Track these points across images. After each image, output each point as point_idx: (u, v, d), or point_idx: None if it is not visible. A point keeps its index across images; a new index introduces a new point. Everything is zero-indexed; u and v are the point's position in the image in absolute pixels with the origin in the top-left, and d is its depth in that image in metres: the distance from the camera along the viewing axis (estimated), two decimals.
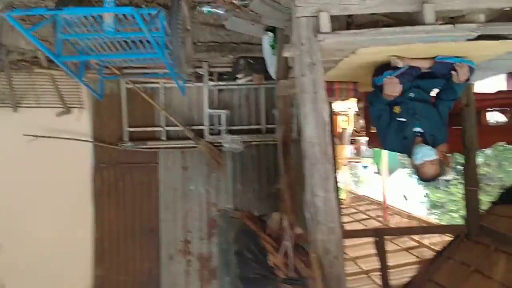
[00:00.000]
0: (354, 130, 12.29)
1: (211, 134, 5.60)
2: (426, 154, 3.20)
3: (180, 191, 5.70)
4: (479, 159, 20.32)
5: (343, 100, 4.24)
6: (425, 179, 3.30)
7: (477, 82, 4.78)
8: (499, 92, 6.20)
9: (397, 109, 3.37)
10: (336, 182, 5.89)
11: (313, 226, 2.59)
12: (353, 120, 11.58)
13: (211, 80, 5.56)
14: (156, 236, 5.65)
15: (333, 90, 3.99)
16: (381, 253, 4.93)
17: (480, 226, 4.90)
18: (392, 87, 3.14)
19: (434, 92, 3.51)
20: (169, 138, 5.67)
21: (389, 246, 10.13)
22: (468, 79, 3.23)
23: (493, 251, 4.51)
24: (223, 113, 5.56)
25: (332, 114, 10.13)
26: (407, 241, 10.10)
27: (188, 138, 5.57)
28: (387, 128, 3.40)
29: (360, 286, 7.38)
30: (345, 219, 13.88)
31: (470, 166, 4.91)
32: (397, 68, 3.18)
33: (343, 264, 2.57)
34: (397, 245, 10.02)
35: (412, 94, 3.36)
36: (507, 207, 4.87)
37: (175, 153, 5.70)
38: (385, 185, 12.90)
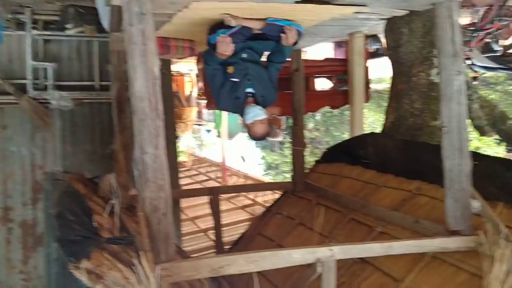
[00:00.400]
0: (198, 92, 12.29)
1: (35, 89, 5.06)
2: (256, 114, 3.31)
3: None
4: (310, 124, 22.03)
5: (180, 58, 4.16)
6: (255, 137, 3.43)
7: (306, 47, 5.09)
8: (326, 59, 6.71)
9: (230, 69, 3.41)
10: (175, 142, 5.91)
11: (142, 184, 2.50)
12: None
13: (35, 28, 4.99)
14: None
15: (169, 46, 3.87)
16: (215, 211, 5.06)
17: (305, 183, 5.32)
18: (225, 46, 3.15)
19: (265, 55, 3.63)
20: None
21: (227, 205, 10.55)
22: (296, 43, 3.38)
23: (315, 205, 4.92)
24: (49, 66, 5.05)
25: (172, 75, 10.01)
26: (243, 200, 10.61)
27: (8, 93, 4.97)
28: (220, 88, 3.43)
29: (197, 244, 7.57)
30: (187, 180, 14.06)
31: (298, 128, 5.26)
32: (230, 27, 3.19)
33: (171, 221, 2.55)
34: (234, 204, 10.47)
35: (244, 55, 3.42)
36: (328, 165, 5.33)
37: None
38: (225, 148, 13.29)
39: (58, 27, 5.03)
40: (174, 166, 5.91)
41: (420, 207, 3.73)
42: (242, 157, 11.54)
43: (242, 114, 3.51)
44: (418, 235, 3.44)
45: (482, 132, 5.13)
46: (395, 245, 2.86)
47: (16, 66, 5.09)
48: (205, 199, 5.31)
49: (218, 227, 5.12)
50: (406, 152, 4.16)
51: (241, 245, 5.50)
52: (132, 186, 5.02)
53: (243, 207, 9.82)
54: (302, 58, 5.52)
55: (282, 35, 3.30)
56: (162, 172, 2.52)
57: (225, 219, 9.33)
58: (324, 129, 25.44)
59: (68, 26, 4.91)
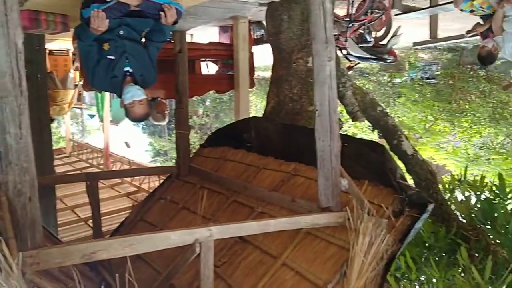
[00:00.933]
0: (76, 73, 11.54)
1: None
2: (135, 94, 3.21)
3: None
4: (199, 110, 21.95)
5: (52, 33, 3.88)
6: (135, 118, 3.33)
7: (189, 29, 5.03)
8: (211, 43, 6.70)
9: (106, 46, 3.26)
10: (49, 125, 5.52)
11: (4, 167, 2.30)
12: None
13: None
14: None
15: (39, 20, 3.60)
16: (93, 198, 4.84)
17: (190, 167, 5.30)
18: (99, 22, 3.00)
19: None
20: None
21: (110, 193, 10.18)
22: (176, 22, 3.32)
23: (199, 189, 4.93)
24: None
25: (50, 53, 9.34)
26: (127, 187, 10.30)
27: None
28: (96, 65, 3.28)
29: (76, 234, 7.19)
30: (66, 168, 13.29)
31: (182, 111, 5.21)
32: (105, 1, 3.05)
33: (37, 206, 2.39)
34: (117, 191, 10.12)
35: (121, 32, 3.29)
36: (213, 149, 5.36)
37: None
38: (108, 133, 12.75)
39: None
40: (48, 151, 5.54)
41: (297, 187, 3.91)
42: (126, 143, 11.15)
43: (119, 94, 3.39)
44: (294, 213, 3.61)
45: (355, 118, 5.48)
46: (271, 222, 2.96)
47: None
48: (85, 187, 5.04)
49: (97, 215, 4.91)
50: (285, 135, 4.32)
51: (122, 232, 5.34)
52: None
53: (128, 194, 9.52)
54: (186, 40, 5.47)
55: (161, 13, 3.22)
56: (26, 153, 2.35)
57: (108, 207, 9.03)
58: (213, 115, 25.61)
59: None
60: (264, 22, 7.15)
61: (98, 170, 12.28)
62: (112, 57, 3.26)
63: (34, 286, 2.16)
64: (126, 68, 3.32)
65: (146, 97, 3.29)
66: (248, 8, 3.82)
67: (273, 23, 4.86)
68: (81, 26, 3.16)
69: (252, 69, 6.83)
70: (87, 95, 14.06)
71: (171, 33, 5.26)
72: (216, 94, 23.06)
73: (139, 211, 5.48)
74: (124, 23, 3.29)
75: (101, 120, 13.23)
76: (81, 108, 15.29)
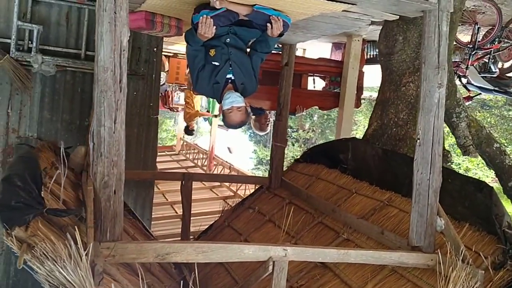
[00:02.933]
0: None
1: (18, 50, 4.92)
2: (234, 100, 3.21)
3: None
4: (306, 125, 21.93)
5: (166, 36, 4.04)
6: (231, 125, 3.32)
7: (299, 42, 4.98)
8: (321, 59, 6.61)
9: (212, 52, 3.31)
10: (156, 122, 5.77)
11: (95, 158, 2.40)
12: None
13: None
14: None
15: (154, 22, 3.75)
16: (186, 198, 4.96)
17: (281, 180, 5.23)
18: (206, 28, 3.04)
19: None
20: None
21: (208, 194, 10.51)
22: (282, 34, 3.28)
23: (287, 204, 4.85)
24: (35, 28, 4.89)
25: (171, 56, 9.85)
26: (225, 191, 10.57)
27: None
28: (201, 70, 3.33)
29: (169, 229, 7.47)
30: (173, 165, 14.00)
31: (280, 124, 5.16)
32: (215, 9, 3.09)
33: (121, 200, 2.45)
34: (215, 194, 10.43)
35: (228, 40, 3.32)
36: (307, 165, 5.25)
37: None
38: (214, 137, 13.19)
39: None
40: (153, 147, 5.80)
41: (388, 219, 3.66)
42: (228, 148, 11.43)
43: (219, 100, 3.41)
44: (382, 247, 3.38)
45: (466, 152, 5.03)
46: (352, 253, 2.77)
47: (1, 24, 4.93)
48: (194, 184, 5.18)
49: (187, 214, 5.02)
50: (384, 161, 4.08)
51: (210, 235, 5.42)
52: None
53: (224, 198, 9.73)
54: (296, 54, 5.44)
55: (268, 25, 3.20)
56: (118, 147, 2.42)
57: (204, 207, 9.31)
58: (319, 131, 25.46)
59: None
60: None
61: (201, 172, 12.78)
62: (216, 63, 3.30)
63: (103, 278, 2.21)
64: (229, 75, 3.34)
65: (244, 105, 3.28)
66: (358, 26, 3.66)
67: (387, 43, 4.64)
68: (190, 31, 3.23)
69: (360, 88, 6.63)
70: (204, 99, 14.67)
71: (279, 45, 5.29)
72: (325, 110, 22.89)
73: (228, 216, 5.52)
74: (231, 31, 3.32)
75: (210, 124, 13.74)
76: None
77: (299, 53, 8.10)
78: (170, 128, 28.26)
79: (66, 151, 4.78)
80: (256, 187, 5.74)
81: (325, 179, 4.76)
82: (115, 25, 2.34)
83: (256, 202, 5.35)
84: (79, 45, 5.24)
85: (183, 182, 4.97)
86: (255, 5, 3.14)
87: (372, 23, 5.92)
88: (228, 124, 3.33)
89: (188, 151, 15.49)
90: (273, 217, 4.85)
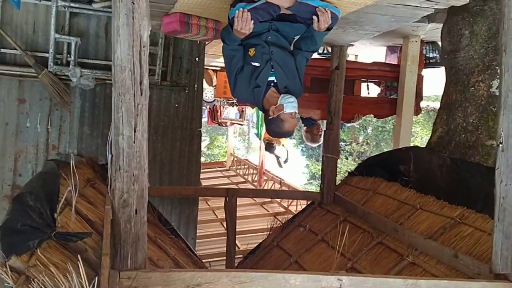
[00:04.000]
0: None
1: (57, 64, 4.77)
2: (294, 104, 2.83)
3: (12, 127, 4.85)
4: (360, 137, 21.25)
5: (203, 39, 3.72)
6: (287, 131, 2.92)
7: (350, 43, 4.54)
8: (375, 63, 6.11)
9: (251, 52, 2.93)
10: (200, 134, 5.47)
11: (113, 172, 2.07)
12: None
13: None
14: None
15: (190, 24, 3.44)
16: (230, 215, 4.59)
17: (334, 195, 4.76)
18: (242, 23, 2.67)
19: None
20: (4, 62, 4.74)
21: (259, 210, 10.15)
22: (330, 28, 2.86)
23: (342, 222, 4.38)
24: (73, 41, 4.74)
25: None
26: (276, 207, 10.17)
27: (28, 66, 4.70)
28: (239, 73, 2.96)
29: (216, 248, 7.12)
30: (224, 180, 13.81)
31: (332, 134, 4.71)
32: (252, 1, 2.72)
33: (144, 221, 2.09)
34: (266, 210, 10.06)
35: (269, 37, 2.94)
36: (363, 178, 4.76)
37: (11, 81, 4.80)
38: (263, 151, 12.86)
39: (86, 0, 4.73)
40: (196, 162, 5.49)
41: (462, 239, 3.12)
42: (278, 161, 11.03)
43: (260, 106, 3.03)
44: (455, 272, 2.86)
45: None
46: (423, 283, 2.27)
47: (39, 38, 4.81)
48: (244, 200, 4.83)
49: (231, 232, 4.64)
50: (453, 172, 3.55)
51: (257, 256, 5.01)
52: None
53: (275, 214, 9.33)
54: (348, 58, 5.01)
55: (314, 17, 2.78)
56: (139, 159, 2.07)
57: (254, 224, 8.94)
58: (374, 144, 24.59)
59: None
60: (439, 43, 6.33)
61: (252, 187, 12.46)
62: (256, 64, 2.92)
63: None
64: (271, 78, 2.95)
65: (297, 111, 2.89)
66: (419, 16, 3.19)
67: (451, 39, 4.11)
68: (226, 28, 2.88)
69: (419, 94, 6.06)
70: (250, 111, 14.42)
71: (328, 50, 4.86)
72: (379, 121, 22.06)
73: (277, 235, 5.10)
74: (272, 28, 2.94)
75: (260, 138, 13.42)
76: (241, 125, 15.75)
77: (351, 59, 7.63)
78: (223, 144, 28.27)
79: (106, 167, 4.59)
80: (307, 203, 5.28)
81: (384, 193, 4.25)
82: (133, 17, 2.01)
83: (307, 220, 4.91)
84: None
85: (227, 198, 4.61)
86: None
87: (432, 20, 5.42)
88: (284, 130, 2.91)
89: (239, 167, 15.25)
90: (326, 236, 4.38)
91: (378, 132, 24.69)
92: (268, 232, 5.18)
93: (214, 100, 11.39)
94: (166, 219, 4.77)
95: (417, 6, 2.94)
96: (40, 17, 4.80)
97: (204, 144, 30.14)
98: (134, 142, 2.05)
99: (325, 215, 4.75)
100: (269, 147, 10.35)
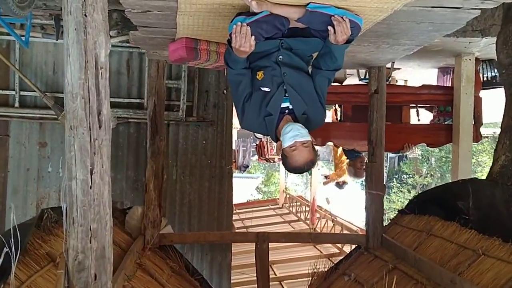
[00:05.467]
0: None
1: None
2: (298, 133, 2.36)
3: (34, 172, 4.64)
4: (423, 169, 20.13)
5: (214, 67, 3.32)
6: (296, 167, 2.44)
7: (388, 62, 4.00)
8: (424, 86, 5.49)
9: (260, 75, 2.49)
10: (231, 172, 5.05)
11: (68, 226, 1.65)
12: None
13: None
14: (0, 227, 4.57)
15: (198, 50, 3.06)
16: (261, 261, 4.06)
17: (382, 238, 4.13)
18: (241, 39, 2.23)
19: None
20: (25, 105, 4.59)
21: (311, 252, 9.50)
22: (350, 41, 2.37)
23: (391, 270, 3.74)
24: None
25: None
26: (330, 248, 9.50)
27: (49, 108, 4.51)
28: (247, 100, 2.52)
29: None
30: (276, 219, 13.29)
31: (375, 166, 4.11)
32: (253, 14, 2.30)
33: None
34: (319, 251, 9.41)
35: (280, 57, 2.49)
36: (415, 217, 4.11)
37: (31, 124, 4.63)
38: (315, 187, 12.25)
39: None
40: (228, 203, 5.03)
41: None
42: (327, 198, 10.41)
43: (274, 137, 2.56)
44: None
45: None
46: None
47: (59, 78, 4.65)
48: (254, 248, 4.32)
49: (264, 281, 4.09)
50: None
51: None
52: (165, 221, 4.26)
53: (330, 256, 8.67)
54: (392, 82, 4.46)
55: (330, 28, 2.31)
56: (98, 209, 1.65)
57: (304, 268, 8.30)
58: (438, 176, 23.21)
59: (111, 33, 4.36)
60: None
61: (305, 226, 11.82)
62: (266, 89, 2.47)
63: None
64: (285, 104, 2.49)
65: (311, 139, 2.39)
66: (462, 22, 2.64)
67: (508, 51, 3.50)
68: (228, 48, 2.46)
69: (478, 118, 5.36)
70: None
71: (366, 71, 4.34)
72: (443, 151, 20.80)
73: (319, 285, 4.49)
74: (283, 46, 2.49)
75: (310, 174, 12.83)
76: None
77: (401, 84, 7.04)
78: (279, 181, 27.78)
79: (127, 212, 4.25)
80: (353, 247, 4.66)
81: (440, 235, 3.59)
82: (86, 33, 1.63)
83: (353, 267, 4.28)
84: (141, 94, 4.77)
85: (258, 243, 4.09)
86: (308, 3, 2.28)
87: (485, 34, 4.79)
88: (292, 166, 2.44)
89: (291, 204, 14.67)
90: (372, 287, 3.75)
91: (442, 163, 23.35)
92: (309, 282, 4.59)
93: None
94: (195, 268, 4.31)
95: (458, 8, 2.39)
96: (60, 57, 4.63)
97: (259, 181, 29.77)
98: (90, 187, 1.63)
99: (372, 262, 4.11)
100: (339, 187, 9.77)
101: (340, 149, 7.26)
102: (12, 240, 1.77)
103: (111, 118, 4.27)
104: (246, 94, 2.51)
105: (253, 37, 2.25)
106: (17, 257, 1.63)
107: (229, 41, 2.34)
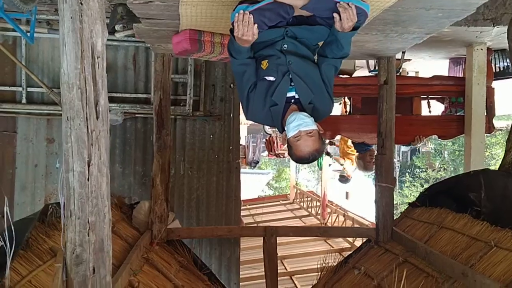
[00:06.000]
0: None
1: None
2: (302, 122, 2.30)
3: (42, 169, 4.63)
4: (436, 162, 19.93)
5: (219, 59, 3.27)
6: (301, 157, 2.38)
7: (397, 52, 3.92)
8: (435, 77, 5.39)
9: (264, 64, 2.44)
10: (239, 167, 5.00)
11: (65, 220, 1.62)
12: None
13: None
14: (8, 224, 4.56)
15: (202, 42, 3.01)
16: (269, 256, 4.01)
17: (392, 231, 4.06)
18: (243, 27, 2.18)
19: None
20: (32, 101, 4.58)
21: (322, 246, 9.46)
22: (357, 27, 2.31)
23: (401, 263, 3.67)
24: None
25: None
26: (341, 242, 9.46)
27: (56, 104, 4.51)
28: (252, 90, 2.46)
29: None
30: (287, 214, 13.26)
31: (384, 159, 4.03)
32: (256, 2, 2.24)
33: (108, 283, 1.61)
34: (330, 245, 9.37)
35: (285, 46, 2.43)
36: (426, 210, 4.04)
37: (39, 120, 4.62)
38: (325, 182, 12.17)
39: (108, 29, 4.47)
40: (236, 197, 4.99)
41: None
42: (347, 193, 10.35)
43: (280, 128, 2.51)
44: None
45: None
46: None
47: None
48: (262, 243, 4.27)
49: (271, 278, 4.04)
50: None
51: None
52: (173, 216, 4.23)
53: (340, 251, 8.61)
54: (402, 74, 4.38)
55: (335, 15, 2.25)
56: (96, 201, 1.61)
57: (314, 263, 8.25)
58: (452, 170, 22.96)
59: (117, 28, 4.31)
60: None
61: (316, 221, 11.76)
62: (271, 78, 2.41)
63: None
64: (290, 93, 2.43)
65: (317, 128, 2.34)
66: (472, 8, 2.55)
67: None
68: (231, 38, 2.41)
69: (491, 108, 5.24)
70: None
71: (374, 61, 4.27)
72: (456, 144, 20.55)
73: (329, 279, 4.43)
74: (288, 34, 2.43)
75: (320, 168, 12.74)
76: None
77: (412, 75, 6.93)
78: (290, 176, 27.70)
79: (135, 207, 4.22)
80: (363, 241, 4.59)
81: (451, 227, 3.51)
82: (82, 21, 1.59)
83: (363, 261, 4.21)
84: (148, 89, 4.74)
85: (266, 238, 4.04)
86: None
87: (497, 23, 4.68)
88: (297, 156, 2.39)
89: (302, 199, 14.61)
90: (383, 281, 3.67)
91: (455, 156, 23.09)
92: (318, 276, 4.53)
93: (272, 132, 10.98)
94: (203, 263, 4.27)
95: None
96: None
97: (270, 177, 29.68)
98: (88, 179, 1.59)
99: (383, 255, 4.04)
100: (343, 180, 9.66)
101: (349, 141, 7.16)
102: (6, 234, 1.74)
103: (118, 113, 4.27)
104: (250, 84, 2.46)
105: (256, 25, 2.19)
106: (13, 251, 1.60)
107: (232, 30, 2.29)
